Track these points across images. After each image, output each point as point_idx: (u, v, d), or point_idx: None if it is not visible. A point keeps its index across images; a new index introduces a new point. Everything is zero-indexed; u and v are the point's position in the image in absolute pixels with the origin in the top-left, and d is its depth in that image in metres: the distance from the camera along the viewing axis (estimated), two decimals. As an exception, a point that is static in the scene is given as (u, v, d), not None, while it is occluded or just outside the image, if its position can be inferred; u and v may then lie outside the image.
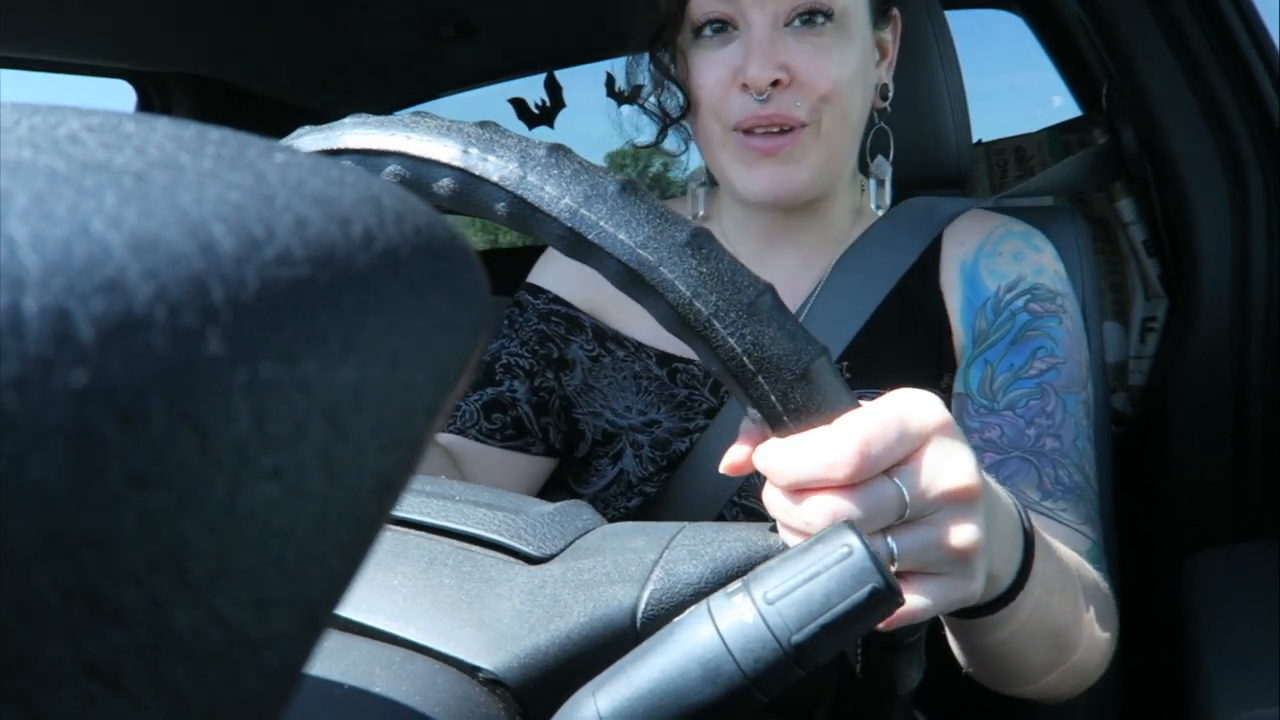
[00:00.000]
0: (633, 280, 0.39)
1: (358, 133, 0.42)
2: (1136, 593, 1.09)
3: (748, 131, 0.74)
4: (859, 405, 0.41)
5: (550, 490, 0.91)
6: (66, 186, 0.13)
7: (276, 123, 1.65)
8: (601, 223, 0.39)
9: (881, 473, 0.40)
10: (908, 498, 0.39)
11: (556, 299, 0.88)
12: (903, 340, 0.81)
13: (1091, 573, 0.65)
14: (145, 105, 1.62)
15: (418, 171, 0.41)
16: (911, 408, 0.41)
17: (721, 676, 0.33)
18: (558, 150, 0.41)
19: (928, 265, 0.83)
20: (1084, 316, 0.85)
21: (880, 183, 0.84)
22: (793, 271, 0.85)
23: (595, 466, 0.86)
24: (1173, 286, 1.23)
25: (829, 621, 0.34)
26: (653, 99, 0.84)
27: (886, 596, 0.34)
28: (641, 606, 0.39)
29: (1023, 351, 0.74)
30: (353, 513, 0.15)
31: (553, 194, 0.39)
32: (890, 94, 0.83)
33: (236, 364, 0.13)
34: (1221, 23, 1.06)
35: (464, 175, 0.40)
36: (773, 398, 0.40)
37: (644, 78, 0.84)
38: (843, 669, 0.46)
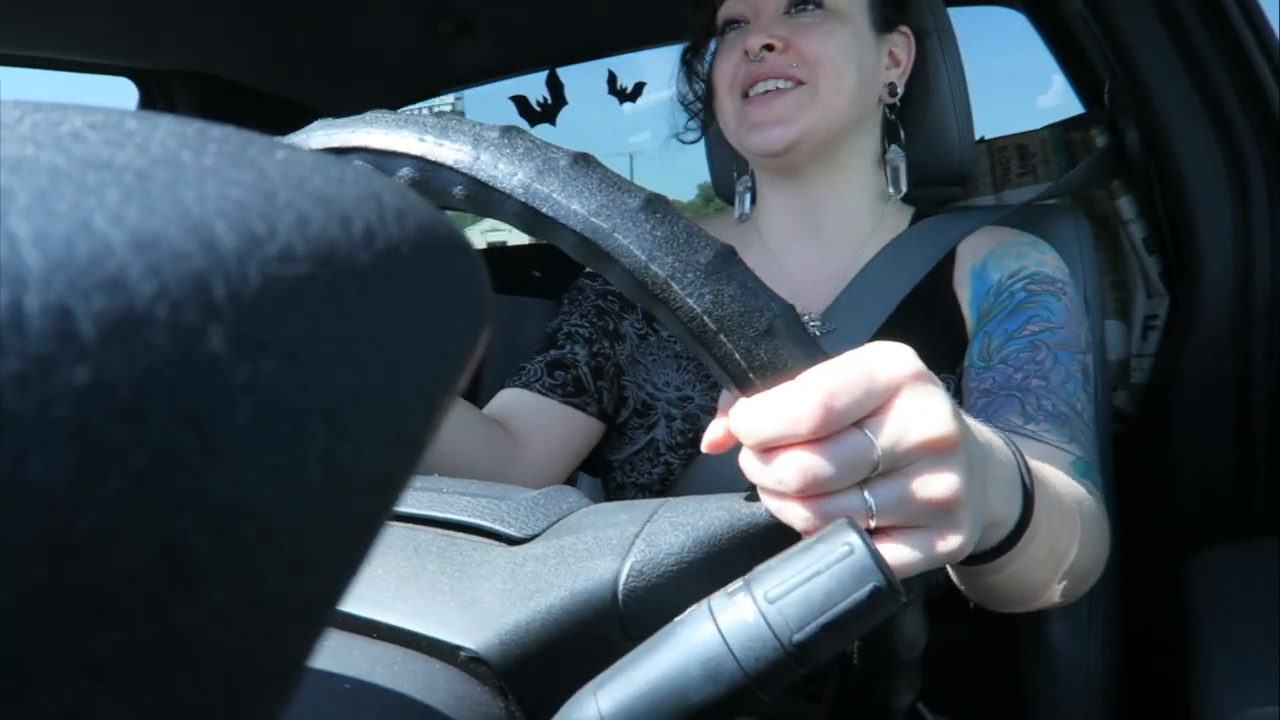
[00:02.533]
0: (590, 249, 0.39)
1: (321, 135, 0.43)
2: (1139, 590, 1.09)
3: (751, 97, 0.86)
4: (827, 359, 0.40)
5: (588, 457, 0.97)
6: (68, 183, 0.13)
7: (279, 120, 1.65)
8: (554, 195, 0.39)
9: (852, 425, 0.39)
10: (879, 449, 0.38)
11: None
12: (921, 334, 0.87)
13: (1080, 490, 0.67)
14: (148, 103, 1.62)
15: (379, 164, 0.42)
16: (880, 358, 0.40)
17: (723, 675, 0.33)
18: (510, 131, 0.41)
19: (942, 271, 0.90)
20: (1086, 312, 0.91)
21: (895, 168, 0.92)
22: (815, 260, 0.93)
23: (629, 435, 0.93)
24: (1174, 284, 1.23)
25: (830, 620, 0.34)
26: (691, 98, 1.03)
27: (888, 595, 0.34)
28: (622, 579, 0.39)
29: (1018, 319, 0.81)
30: (353, 511, 0.15)
31: (506, 171, 0.40)
32: (899, 92, 0.93)
33: (238, 362, 0.13)
34: (1224, 18, 1.06)
35: (421, 162, 0.41)
36: (737, 356, 0.39)
37: (682, 82, 1.05)
38: None
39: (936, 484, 0.39)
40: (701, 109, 1.02)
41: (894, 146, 0.93)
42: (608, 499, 0.97)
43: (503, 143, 0.40)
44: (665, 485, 0.89)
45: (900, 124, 0.94)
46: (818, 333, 0.87)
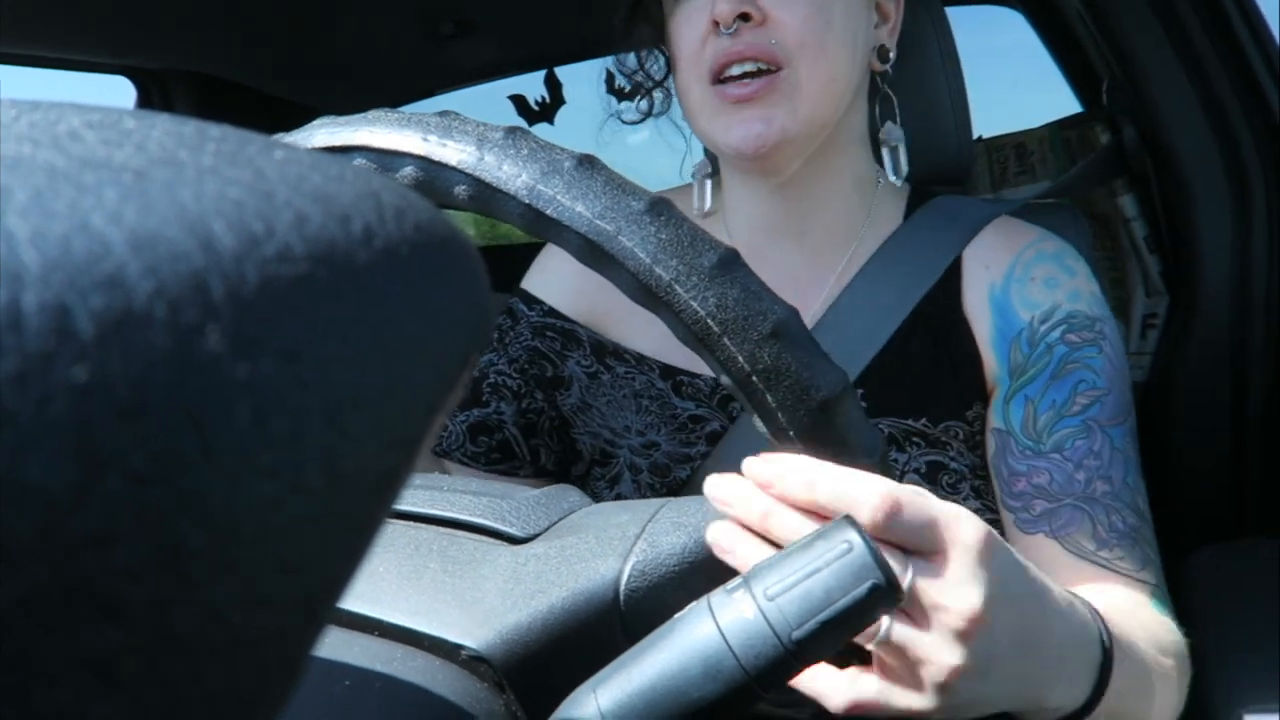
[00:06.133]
0: (593, 252, 0.40)
1: (323, 133, 0.43)
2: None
3: (723, 81, 0.70)
4: (833, 364, 0.41)
5: None
6: (66, 183, 0.13)
7: (276, 120, 1.64)
8: (559, 197, 0.39)
9: (897, 547, 0.40)
10: (907, 581, 0.39)
11: (552, 311, 0.84)
12: (926, 368, 0.76)
13: (1167, 641, 0.63)
14: (145, 102, 1.62)
15: (382, 164, 0.42)
16: (951, 517, 0.41)
17: (722, 673, 0.33)
18: (514, 132, 0.41)
19: (949, 286, 0.77)
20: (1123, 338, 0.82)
21: (893, 149, 0.79)
22: (798, 269, 0.79)
23: (592, 490, 0.83)
24: (1173, 283, 1.23)
25: (829, 618, 0.34)
26: (635, 68, 0.84)
27: (886, 593, 0.34)
28: (624, 579, 0.39)
29: (1064, 387, 0.71)
30: (352, 511, 0.15)
31: (510, 172, 0.40)
32: (891, 57, 0.78)
33: (236, 361, 0.13)
34: (1222, 18, 1.06)
35: (424, 162, 0.41)
36: (740, 359, 0.40)
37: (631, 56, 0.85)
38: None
39: (937, 654, 0.40)
40: (646, 83, 0.83)
41: (889, 124, 0.79)
42: None
43: (507, 144, 0.41)
44: None
45: (894, 95, 0.78)
46: None
